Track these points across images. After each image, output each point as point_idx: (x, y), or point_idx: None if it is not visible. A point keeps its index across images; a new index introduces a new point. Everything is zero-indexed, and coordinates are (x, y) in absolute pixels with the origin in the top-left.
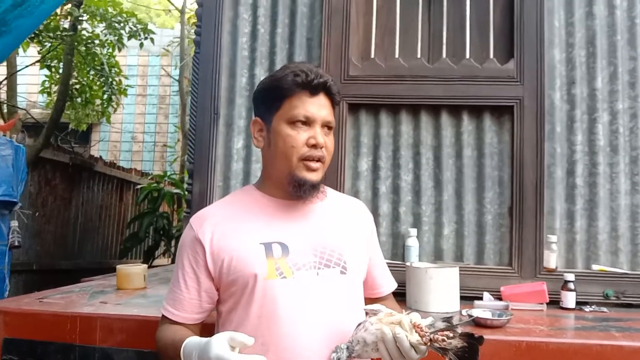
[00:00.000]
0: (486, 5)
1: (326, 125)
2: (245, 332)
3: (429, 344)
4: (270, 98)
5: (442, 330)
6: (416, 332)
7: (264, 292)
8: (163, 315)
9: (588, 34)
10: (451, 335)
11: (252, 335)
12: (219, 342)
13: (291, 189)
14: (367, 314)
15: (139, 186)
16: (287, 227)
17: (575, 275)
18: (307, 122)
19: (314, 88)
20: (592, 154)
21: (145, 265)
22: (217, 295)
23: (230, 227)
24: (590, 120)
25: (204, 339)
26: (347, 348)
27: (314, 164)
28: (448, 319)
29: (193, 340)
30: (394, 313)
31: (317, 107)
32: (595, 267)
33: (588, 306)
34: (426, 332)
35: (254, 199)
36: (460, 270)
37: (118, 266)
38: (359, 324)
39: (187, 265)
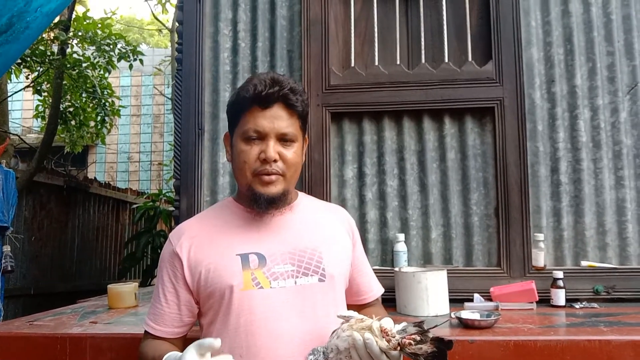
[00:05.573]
0: (462, 9)
1: (282, 138)
2: (223, 344)
3: (398, 348)
4: (231, 113)
5: (411, 335)
6: (383, 337)
7: (240, 303)
8: (145, 331)
9: (565, 31)
10: (419, 339)
11: (231, 346)
12: (188, 355)
13: (251, 202)
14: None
15: (134, 206)
16: (264, 237)
17: (564, 273)
18: (260, 136)
19: (264, 100)
20: (575, 151)
21: (136, 284)
22: (197, 308)
23: (208, 239)
24: (572, 117)
25: (179, 354)
26: (324, 353)
27: (266, 178)
28: (419, 324)
29: (172, 356)
30: (365, 319)
31: (270, 119)
32: (584, 263)
33: (578, 303)
34: (393, 337)
35: (231, 211)
36: (449, 273)
37: (109, 285)
38: (333, 332)
39: (167, 280)
